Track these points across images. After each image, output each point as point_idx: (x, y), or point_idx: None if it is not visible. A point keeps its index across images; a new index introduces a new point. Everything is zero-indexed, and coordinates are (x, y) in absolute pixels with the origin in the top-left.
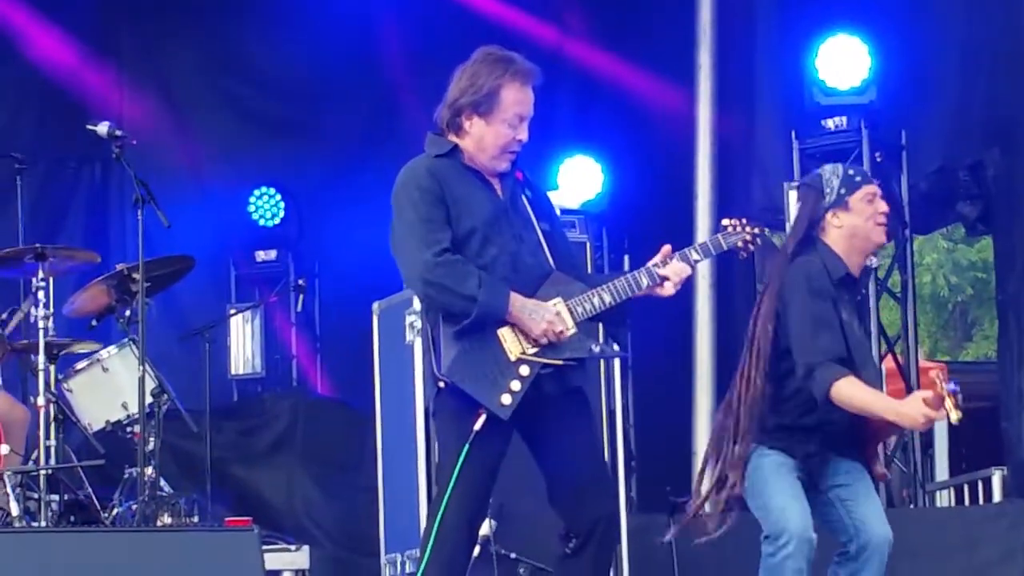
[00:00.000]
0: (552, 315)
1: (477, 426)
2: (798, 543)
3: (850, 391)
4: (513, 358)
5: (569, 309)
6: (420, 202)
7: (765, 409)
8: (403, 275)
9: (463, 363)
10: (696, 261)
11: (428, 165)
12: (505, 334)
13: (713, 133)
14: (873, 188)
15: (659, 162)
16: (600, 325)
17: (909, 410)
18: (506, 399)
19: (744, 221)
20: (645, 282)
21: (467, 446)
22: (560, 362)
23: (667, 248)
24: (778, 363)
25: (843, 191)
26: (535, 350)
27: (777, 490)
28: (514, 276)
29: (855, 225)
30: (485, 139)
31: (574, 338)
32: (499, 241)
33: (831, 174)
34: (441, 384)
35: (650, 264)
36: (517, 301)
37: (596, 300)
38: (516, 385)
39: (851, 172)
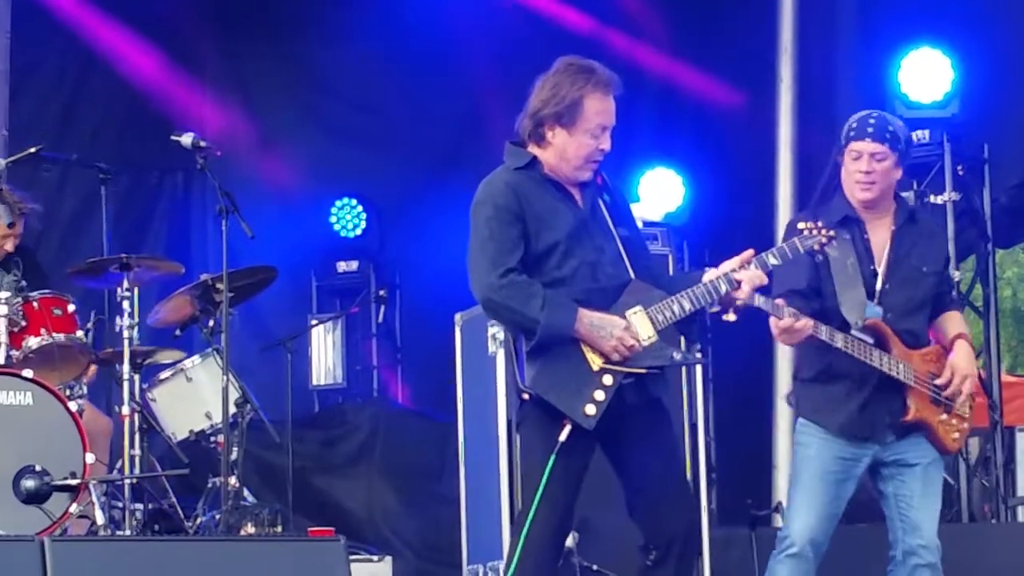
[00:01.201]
0: (620, 330)
1: (562, 437)
2: (797, 553)
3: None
4: (596, 368)
5: (649, 317)
6: (494, 219)
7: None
8: (472, 291)
9: (546, 374)
10: (774, 265)
11: (507, 180)
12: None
13: (794, 146)
14: (860, 145)
15: (740, 175)
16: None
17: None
18: (590, 409)
19: (820, 224)
20: (724, 288)
21: (553, 457)
22: (643, 371)
23: (749, 252)
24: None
25: (843, 142)
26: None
27: (801, 486)
28: (594, 286)
29: (845, 180)
30: (568, 150)
31: (655, 346)
32: (580, 252)
33: (847, 123)
34: (525, 396)
35: (728, 269)
36: (584, 318)
37: (676, 307)
38: (600, 395)
39: (854, 124)
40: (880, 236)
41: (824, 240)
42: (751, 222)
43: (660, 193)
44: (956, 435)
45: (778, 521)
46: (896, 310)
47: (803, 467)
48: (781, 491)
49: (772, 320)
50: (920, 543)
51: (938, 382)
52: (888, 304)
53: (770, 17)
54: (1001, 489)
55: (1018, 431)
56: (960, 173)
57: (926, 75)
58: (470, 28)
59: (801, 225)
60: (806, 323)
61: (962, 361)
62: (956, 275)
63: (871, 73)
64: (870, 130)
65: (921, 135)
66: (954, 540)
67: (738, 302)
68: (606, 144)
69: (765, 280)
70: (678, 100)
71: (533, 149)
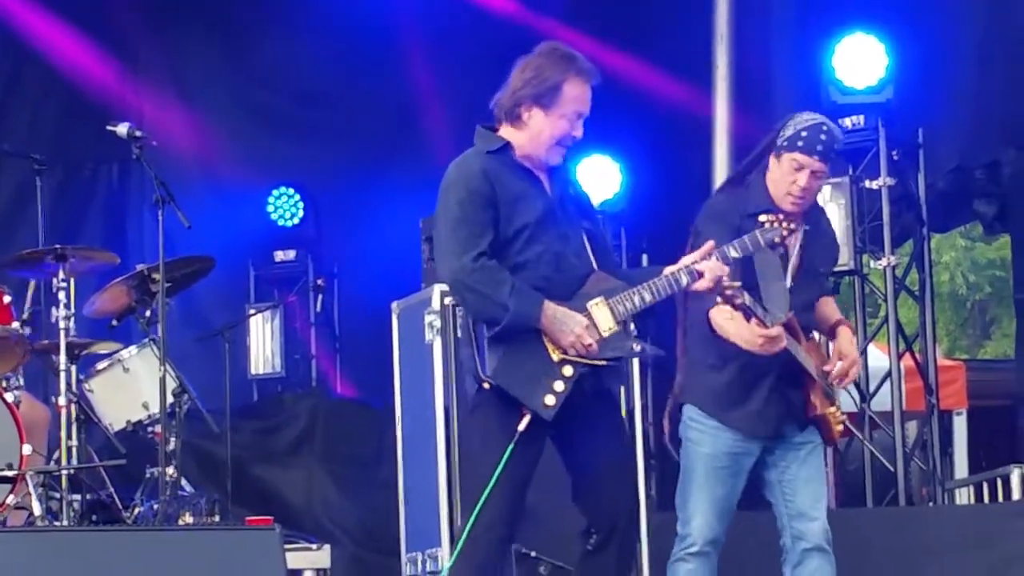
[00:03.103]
0: (581, 328)
1: (521, 427)
2: (698, 552)
3: (716, 316)
4: (556, 358)
5: (610, 308)
6: (467, 202)
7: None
8: (439, 272)
9: (508, 364)
10: (735, 258)
11: (482, 164)
12: None
13: (730, 132)
14: (806, 160)
15: (677, 161)
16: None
17: (747, 335)
18: (550, 400)
19: (780, 216)
20: (685, 280)
21: (511, 446)
22: (603, 362)
23: (710, 244)
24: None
25: (786, 143)
26: None
27: (698, 489)
28: (556, 275)
29: (775, 180)
30: (543, 132)
31: (615, 337)
32: (544, 239)
33: (794, 122)
34: (486, 384)
35: (690, 262)
36: (548, 310)
37: (637, 299)
38: (559, 386)
39: (804, 133)
40: (792, 236)
41: (785, 232)
42: (688, 208)
43: (597, 180)
44: (840, 427)
45: None
46: (797, 308)
47: (696, 464)
48: None
49: (743, 327)
50: (807, 527)
51: (826, 368)
52: (792, 302)
53: (706, 4)
54: (939, 472)
55: (955, 415)
56: (895, 158)
57: (860, 60)
58: (407, 18)
59: (763, 218)
60: (781, 332)
61: (849, 347)
62: (893, 260)
63: (806, 59)
64: (820, 148)
65: (856, 120)
66: (892, 524)
67: (737, 300)
68: (579, 131)
69: (727, 271)
70: (615, 87)
71: (506, 130)
